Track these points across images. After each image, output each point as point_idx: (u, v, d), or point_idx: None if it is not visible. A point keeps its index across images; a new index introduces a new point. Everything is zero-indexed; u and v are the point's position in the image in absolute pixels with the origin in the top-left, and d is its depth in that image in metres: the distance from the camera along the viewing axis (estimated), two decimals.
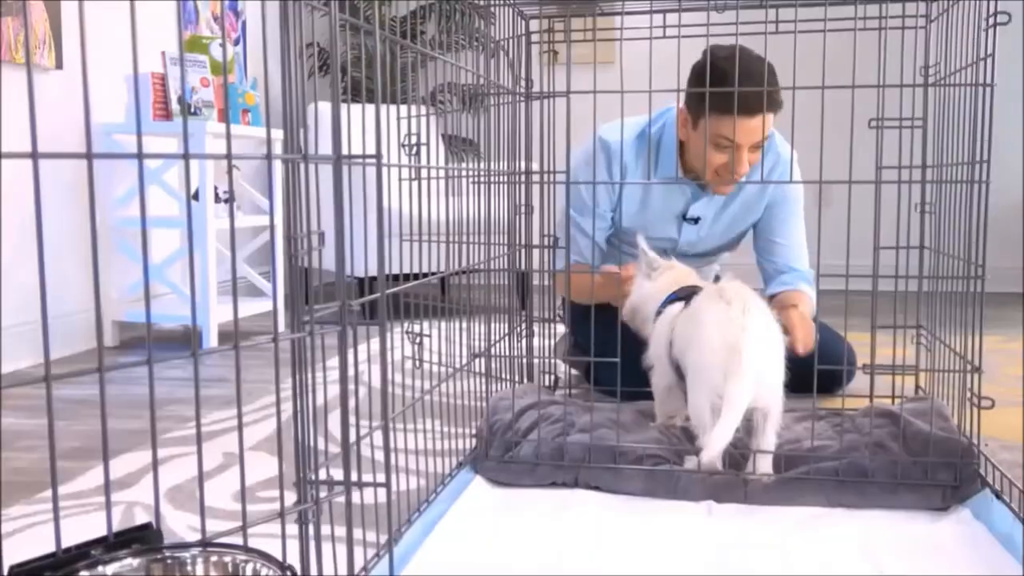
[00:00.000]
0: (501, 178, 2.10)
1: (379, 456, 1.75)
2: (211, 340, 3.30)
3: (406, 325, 1.86)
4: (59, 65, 3.10)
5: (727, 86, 1.90)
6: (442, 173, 1.96)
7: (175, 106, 3.34)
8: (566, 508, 1.65)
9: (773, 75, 2.06)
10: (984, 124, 1.61)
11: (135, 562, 0.90)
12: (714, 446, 1.56)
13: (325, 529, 1.12)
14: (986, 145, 1.61)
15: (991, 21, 1.56)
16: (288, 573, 0.91)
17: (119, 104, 3.41)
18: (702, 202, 2.37)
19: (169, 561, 0.92)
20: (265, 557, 0.93)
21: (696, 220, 2.40)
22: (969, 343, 1.66)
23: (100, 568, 0.88)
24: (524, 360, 2.30)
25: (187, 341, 3.54)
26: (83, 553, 0.88)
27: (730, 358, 1.61)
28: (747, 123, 2.06)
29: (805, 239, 2.46)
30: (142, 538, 0.92)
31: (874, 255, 1.70)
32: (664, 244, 2.45)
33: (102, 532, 0.93)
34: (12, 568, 0.82)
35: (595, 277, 2.11)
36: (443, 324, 1.96)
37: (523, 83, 2.18)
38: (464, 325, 2.01)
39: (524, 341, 2.29)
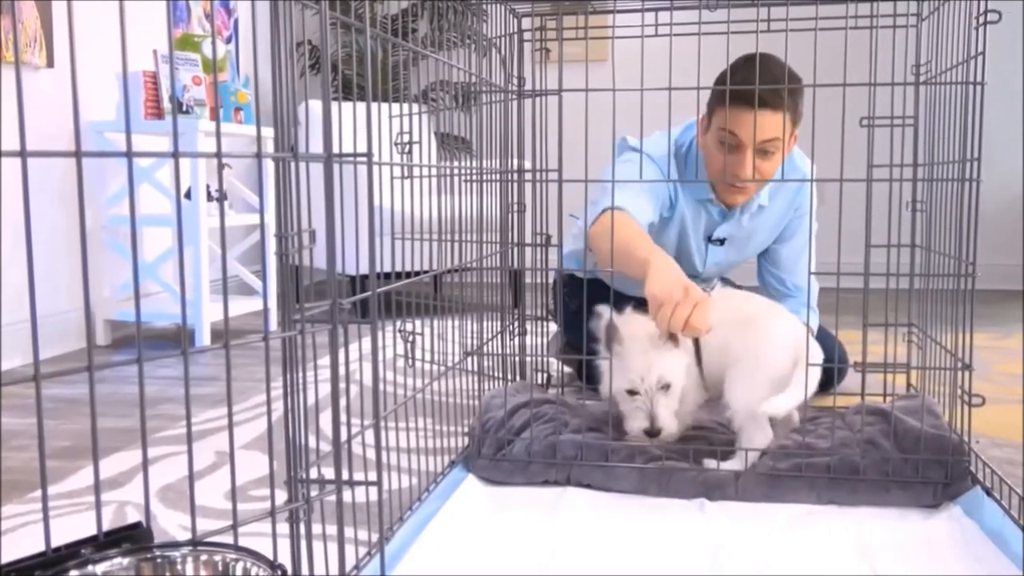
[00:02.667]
0: (493, 176, 2.10)
1: (371, 454, 1.75)
2: (204, 339, 3.29)
3: (398, 323, 1.86)
4: (51, 63, 3.09)
5: (737, 80, 1.89)
6: (434, 171, 1.96)
7: (167, 104, 3.33)
8: (558, 506, 1.65)
9: (794, 80, 1.99)
10: (974, 122, 1.62)
11: (125, 561, 0.89)
12: (792, 401, 1.69)
13: (317, 528, 1.12)
14: (976, 143, 1.61)
15: (981, 20, 1.57)
16: (278, 572, 0.91)
17: (111, 102, 3.41)
18: (728, 224, 2.32)
19: (159, 560, 0.92)
20: (255, 556, 0.93)
21: (722, 241, 2.35)
22: (960, 341, 1.66)
23: (90, 567, 0.88)
24: (517, 358, 2.30)
25: (179, 340, 3.53)
26: (73, 552, 0.88)
27: (798, 350, 1.73)
28: (750, 116, 1.96)
29: (807, 253, 2.36)
30: (132, 537, 0.92)
31: (865, 253, 1.71)
32: (690, 269, 2.37)
33: (94, 531, 0.93)
34: (2, 567, 0.82)
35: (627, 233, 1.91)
36: (436, 322, 1.96)
37: (515, 81, 2.18)
38: (457, 323, 2.01)
39: (517, 339, 2.29)
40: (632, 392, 1.76)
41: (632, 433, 1.77)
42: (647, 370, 1.73)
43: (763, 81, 1.85)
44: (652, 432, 1.74)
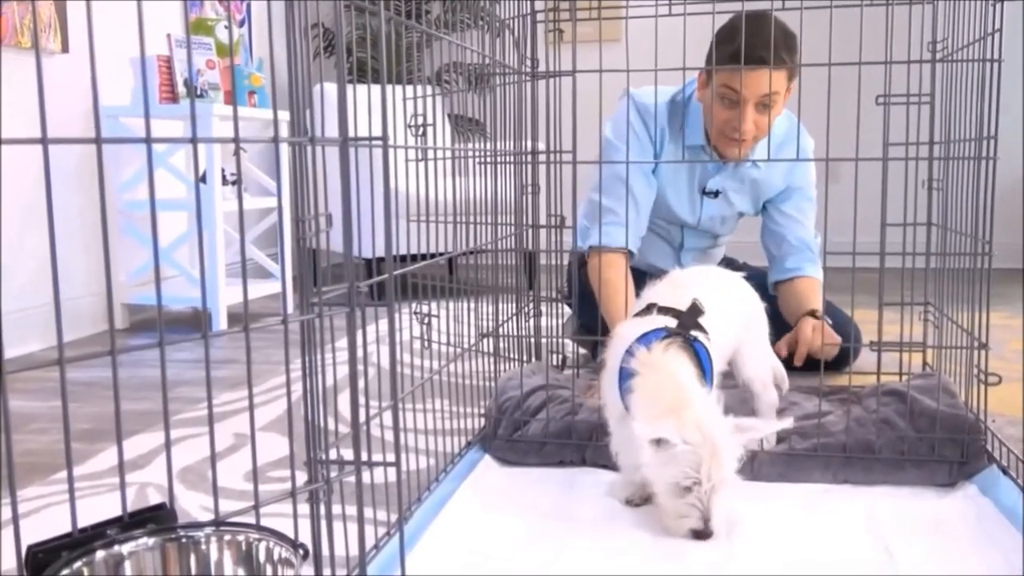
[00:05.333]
0: (508, 158, 2.10)
1: (389, 436, 1.76)
2: (220, 322, 3.31)
3: (414, 306, 1.87)
4: (65, 49, 3.10)
5: (738, 39, 1.89)
6: (449, 154, 1.96)
7: (181, 89, 3.34)
8: (573, 486, 1.66)
9: (790, 38, 2.04)
10: (991, 100, 1.61)
11: (150, 541, 0.91)
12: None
13: (336, 508, 1.13)
14: (993, 121, 1.60)
15: None
16: (300, 551, 0.92)
17: (125, 87, 3.42)
18: (721, 175, 2.35)
19: (183, 540, 0.93)
20: (278, 536, 0.94)
21: (716, 194, 2.38)
22: (976, 319, 1.66)
23: (116, 547, 0.89)
24: (532, 340, 2.31)
25: (195, 323, 3.56)
26: (99, 533, 0.89)
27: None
28: (751, 74, 2.01)
29: (809, 208, 2.43)
30: (156, 518, 0.93)
31: (881, 232, 1.70)
32: (685, 220, 2.43)
33: (115, 512, 0.94)
34: (30, 547, 0.84)
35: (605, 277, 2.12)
36: (451, 304, 1.97)
37: (528, 62, 2.17)
38: (472, 305, 2.02)
39: (532, 321, 2.29)
40: (688, 488, 1.41)
41: (677, 534, 1.43)
42: (717, 465, 1.39)
43: (761, 39, 1.87)
44: (706, 534, 1.41)
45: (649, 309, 1.66)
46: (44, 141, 0.79)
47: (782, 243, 2.40)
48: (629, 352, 1.53)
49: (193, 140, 0.90)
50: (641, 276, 1.95)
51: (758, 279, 1.92)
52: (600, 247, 2.19)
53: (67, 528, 0.89)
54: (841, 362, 2.31)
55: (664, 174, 2.35)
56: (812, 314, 2.17)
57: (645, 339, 1.54)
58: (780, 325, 1.95)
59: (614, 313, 2.05)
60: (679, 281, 1.75)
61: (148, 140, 0.87)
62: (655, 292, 1.72)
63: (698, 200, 2.40)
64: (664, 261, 2.47)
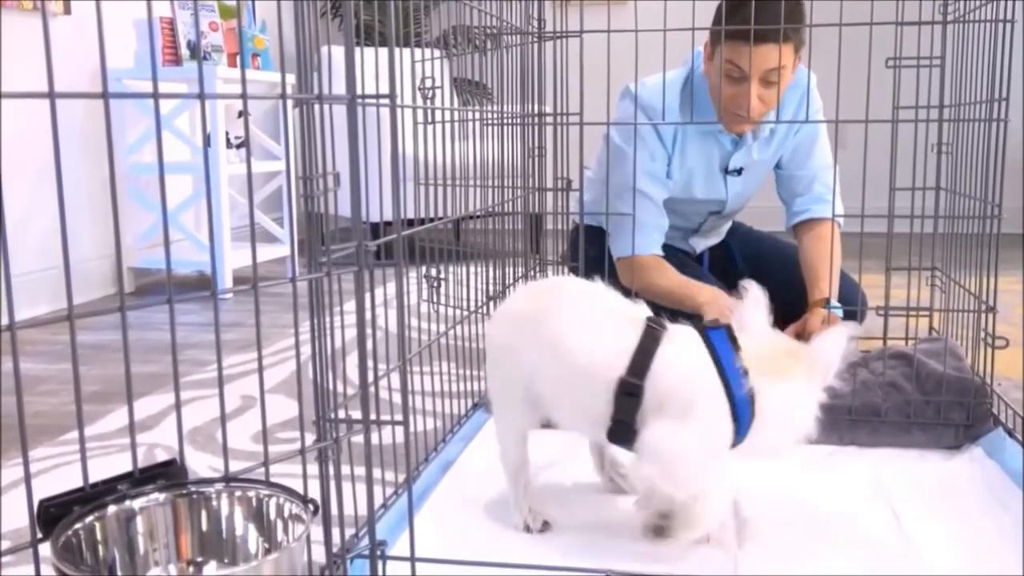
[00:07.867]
0: (514, 120, 2.08)
1: (396, 399, 1.77)
2: (226, 285, 3.32)
3: (422, 269, 1.87)
4: (68, 11, 3.08)
5: (743, 12, 1.86)
6: (456, 116, 1.95)
7: (184, 51, 3.32)
8: (580, 448, 1.66)
9: (795, 10, 1.99)
10: (1004, 61, 1.59)
11: (161, 496, 0.91)
12: None
13: (345, 469, 1.14)
14: (1006, 82, 1.59)
15: None
16: (310, 507, 0.93)
17: (128, 50, 3.40)
18: (741, 152, 2.30)
19: (194, 496, 0.94)
20: (288, 492, 0.95)
21: (739, 171, 2.34)
22: (983, 283, 1.65)
23: (127, 502, 0.90)
24: None
25: (201, 287, 3.56)
26: (110, 488, 0.89)
27: None
28: (756, 50, 1.98)
29: (825, 145, 2.38)
30: (167, 474, 0.94)
31: (890, 196, 1.69)
32: (713, 207, 2.38)
33: (128, 470, 0.94)
34: (42, 502, 0.84)
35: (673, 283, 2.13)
36: (457, 268, 1.97)
37: (535, 23, 2.15)
38: (478, 269, 2.02)
39: None
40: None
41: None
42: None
43: (766, 11, 1.82)
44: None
45: None
46: (51, 95, 0.79)
47: (790, 182, 2.35)
48: None
49: (201, 96, 0.89)
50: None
51: (770, 242, 1.91)
52: (632, 257, 2.17)
53: (78, 486, 0.89)
54: None
55: (689, 162, 2.30)
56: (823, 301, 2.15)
57: None
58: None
59: (686, 295, 2.11)
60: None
61: (155, 95, 0.86)
62: None
63: (723, 181, 2.35)
64: (675, 240, 2.45)
